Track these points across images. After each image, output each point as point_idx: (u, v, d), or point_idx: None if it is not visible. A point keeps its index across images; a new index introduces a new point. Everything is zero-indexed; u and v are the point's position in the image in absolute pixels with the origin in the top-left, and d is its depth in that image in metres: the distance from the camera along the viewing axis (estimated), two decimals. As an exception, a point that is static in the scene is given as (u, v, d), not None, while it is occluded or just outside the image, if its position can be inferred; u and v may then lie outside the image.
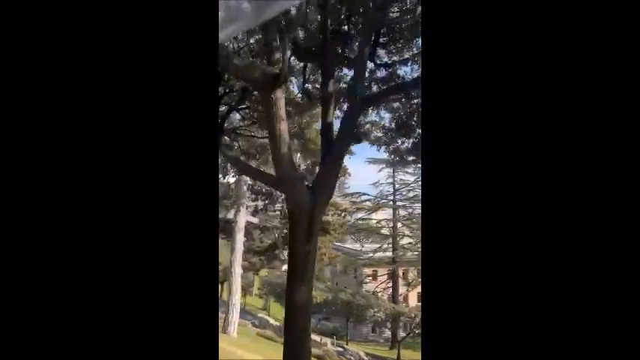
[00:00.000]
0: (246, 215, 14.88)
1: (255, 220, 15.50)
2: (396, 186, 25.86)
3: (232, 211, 15.56)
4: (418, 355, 23.54)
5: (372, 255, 24.11)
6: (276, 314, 27.06)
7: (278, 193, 18.34)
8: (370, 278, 27.46)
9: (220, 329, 13.77)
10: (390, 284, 26.12)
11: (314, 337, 21.99)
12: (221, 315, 16.43)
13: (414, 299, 26.95)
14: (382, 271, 27.10)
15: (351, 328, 26.38)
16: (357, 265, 22.22)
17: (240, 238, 14.40)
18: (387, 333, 27.27)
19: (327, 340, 21.80)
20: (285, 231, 15.86)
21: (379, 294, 25.84)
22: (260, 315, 23.79)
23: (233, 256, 14.26)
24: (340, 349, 21.95)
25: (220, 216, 16.97)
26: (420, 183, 25.72)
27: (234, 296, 13.94)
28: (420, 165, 25.82)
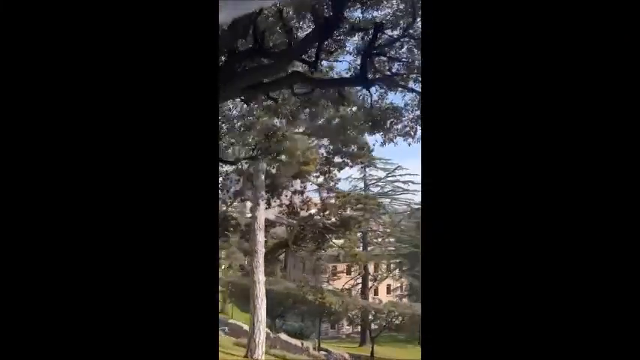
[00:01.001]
0: (265, 211, 11.34)
1: (272, 216, 12.00)
2: (367, 181, 23.83)
3: (236, 207, 11.90)
4: (389, 351, 22.14)
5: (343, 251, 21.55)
6: (240, 318, 23.20)
7: (286, 183, 14.85)
8: (332, 275, 24.97)
9: (245, 354, 10.12)
10: (360, 280, 23.98)
11: (293, 341, 19.00)
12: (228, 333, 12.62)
13: (379, 294, 25.23)
14: (340, 267, 24.86)
15: (310, 325, 23.77)
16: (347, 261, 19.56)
17: (260, 238, 10.83)
18: (345, 328, 25.20)
19: (310, 345, 18.92)
20: (298, 228, 12.61)
21: (345, 291, 23.51)
22: (231, 320, 19.77)
23: (255, 260, 10.65)
24: (324, 352, 19.30)
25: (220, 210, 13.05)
26: (389, 179, 24.13)
27: (259, 311, 10.35)
28: (389, 161, 24.34)
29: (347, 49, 6.19)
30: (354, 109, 6.06)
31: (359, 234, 17.87)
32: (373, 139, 5.45)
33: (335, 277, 24.14)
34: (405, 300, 26.47)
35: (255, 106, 6.83)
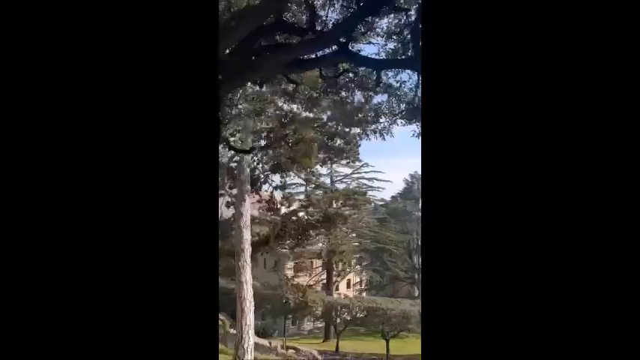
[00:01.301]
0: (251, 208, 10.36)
1: (255, 212, 11.03)
2: (333, 178, 23.40)
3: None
4: (354, 345, 21.93)
5: (326, 247, 20.89)
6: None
7: (265, 176, 13.74)
8: (294, 271, 24.27)
9: (233, 362, 9.15)
10: (324, 276, 23.55)
11: (260, 340, 18.02)
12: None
13: (339, 289, 24.99)
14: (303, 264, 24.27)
15: (272, 323, 22.96)
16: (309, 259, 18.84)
17: (247, 236, 9.89)
18: (306, 325, 24.73)
19: (277, 344, 18.09)
20: (281, 225, 11.81)
21: (311, 286, 22.94)
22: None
23: (242, 260, 9.69)
24: (292, 350, 18.55)
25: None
26: (355, 176, 23.87)
27: (247, 315, 9.41)
28: (352, 158, 24.01)
29: (376, 31, 5.60)
30: (387, 96, 5.46)
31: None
32: (410, 130, 4.96)
33: (299, 274, 23.47)
34: (364, 294, 26.59)
35: (269, 89, 5.98)
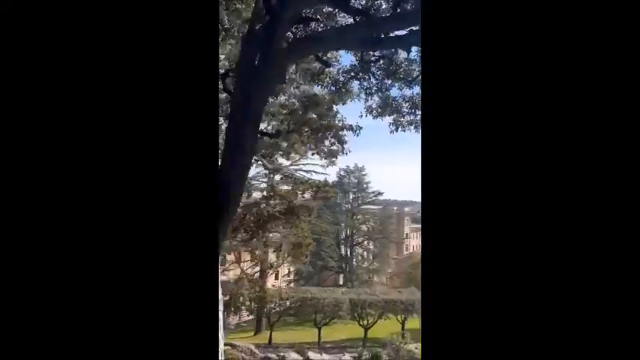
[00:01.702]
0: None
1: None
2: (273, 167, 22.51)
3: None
4: (285, 335, 21.60)
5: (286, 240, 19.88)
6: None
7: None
8: (221, 265, 22.94)
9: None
10: (257, 268, 22.75)
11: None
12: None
13: (270, 280, 24.44)
14: (229, 257, 23.16)
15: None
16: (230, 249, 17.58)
17: (214, 229, 8.83)
18: (231, 318, 23.78)
19: (214, 341, 16.82)
20: (240, 217, 10.95)
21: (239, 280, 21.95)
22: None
23: (210, 256, 8.61)
24: (229, 347, 17.41)
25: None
26: (293, 168, 23.30)
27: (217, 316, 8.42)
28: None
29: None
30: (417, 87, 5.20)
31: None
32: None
33: (230, 268, 22.23)
34: (292, 284, 26.48)
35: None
